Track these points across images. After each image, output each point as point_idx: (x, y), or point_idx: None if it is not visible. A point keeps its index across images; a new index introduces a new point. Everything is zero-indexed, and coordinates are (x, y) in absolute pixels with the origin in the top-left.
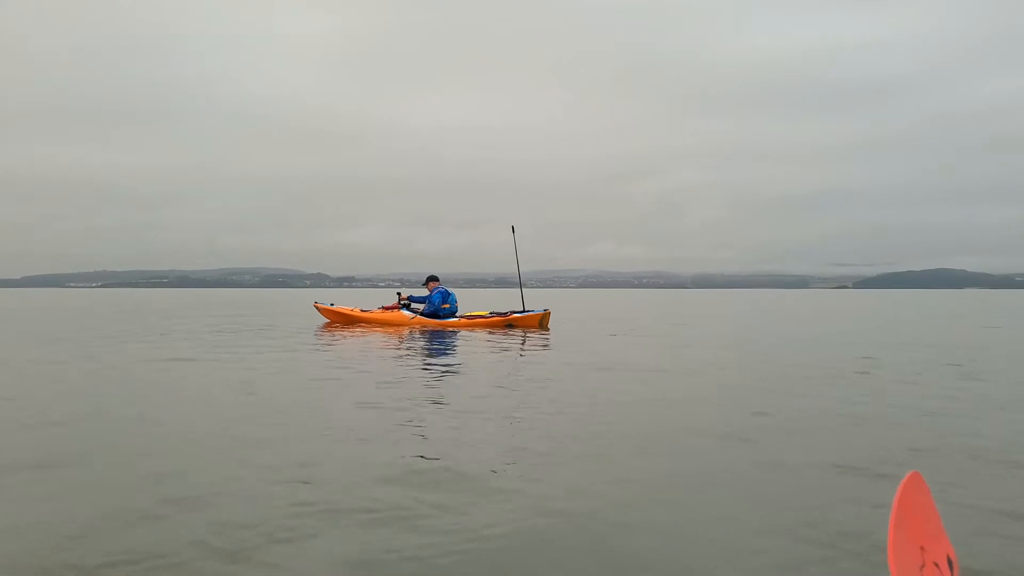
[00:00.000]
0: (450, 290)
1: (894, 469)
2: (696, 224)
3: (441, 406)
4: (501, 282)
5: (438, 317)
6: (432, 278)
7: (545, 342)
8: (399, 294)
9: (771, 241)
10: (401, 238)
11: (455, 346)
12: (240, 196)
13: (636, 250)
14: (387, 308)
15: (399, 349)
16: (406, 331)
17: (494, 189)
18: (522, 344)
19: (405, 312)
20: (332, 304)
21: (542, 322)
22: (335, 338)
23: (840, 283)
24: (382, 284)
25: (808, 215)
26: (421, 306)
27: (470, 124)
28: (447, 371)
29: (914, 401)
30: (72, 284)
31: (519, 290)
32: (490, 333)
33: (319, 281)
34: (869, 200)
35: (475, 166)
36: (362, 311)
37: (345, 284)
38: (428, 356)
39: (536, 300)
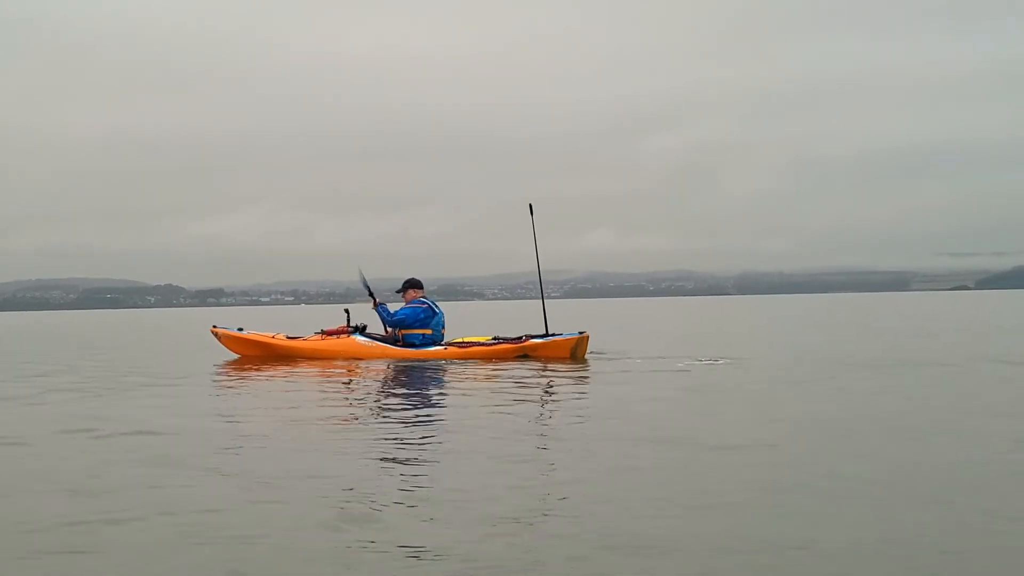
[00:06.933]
0: (439, 307)
1: None
2: (738, 199)
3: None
4: (449, 291)
5: (412, 345)
6: (411, 284)
7: (584, 383)
8: (347, 311)
9: (850, 222)
10: (291, 228)
11: (441, 392)
12: (34, 168)
13: (649, 240)
14: (329, 333)
15: (348, 403)
16: (359, 369)
17: (431, 150)
18: (547, 387)
19: (359, 339)
20: (240, 329)
21: (576, 351)
22: (245, 383)
23: (958, 282)
24: (265, 300)
25: (906, 181)
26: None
27: (396, 53)
28: (422, 458)
29: None
30: None
31: (540, 302)
32: (492, 369)
33: (169, 296)
34: (1003, 157)
35: (402, 116)
36: (288, 338)
37: (210, 300)
38: (392, 415)
39: (525, 316)
